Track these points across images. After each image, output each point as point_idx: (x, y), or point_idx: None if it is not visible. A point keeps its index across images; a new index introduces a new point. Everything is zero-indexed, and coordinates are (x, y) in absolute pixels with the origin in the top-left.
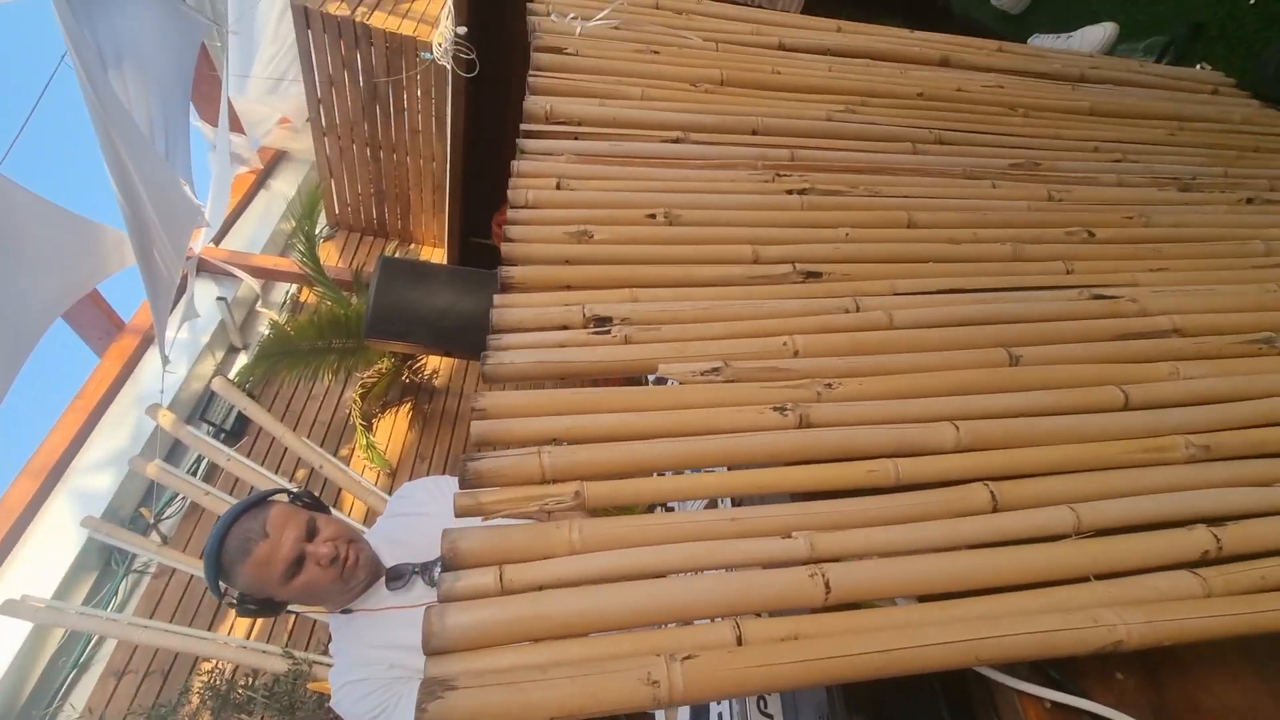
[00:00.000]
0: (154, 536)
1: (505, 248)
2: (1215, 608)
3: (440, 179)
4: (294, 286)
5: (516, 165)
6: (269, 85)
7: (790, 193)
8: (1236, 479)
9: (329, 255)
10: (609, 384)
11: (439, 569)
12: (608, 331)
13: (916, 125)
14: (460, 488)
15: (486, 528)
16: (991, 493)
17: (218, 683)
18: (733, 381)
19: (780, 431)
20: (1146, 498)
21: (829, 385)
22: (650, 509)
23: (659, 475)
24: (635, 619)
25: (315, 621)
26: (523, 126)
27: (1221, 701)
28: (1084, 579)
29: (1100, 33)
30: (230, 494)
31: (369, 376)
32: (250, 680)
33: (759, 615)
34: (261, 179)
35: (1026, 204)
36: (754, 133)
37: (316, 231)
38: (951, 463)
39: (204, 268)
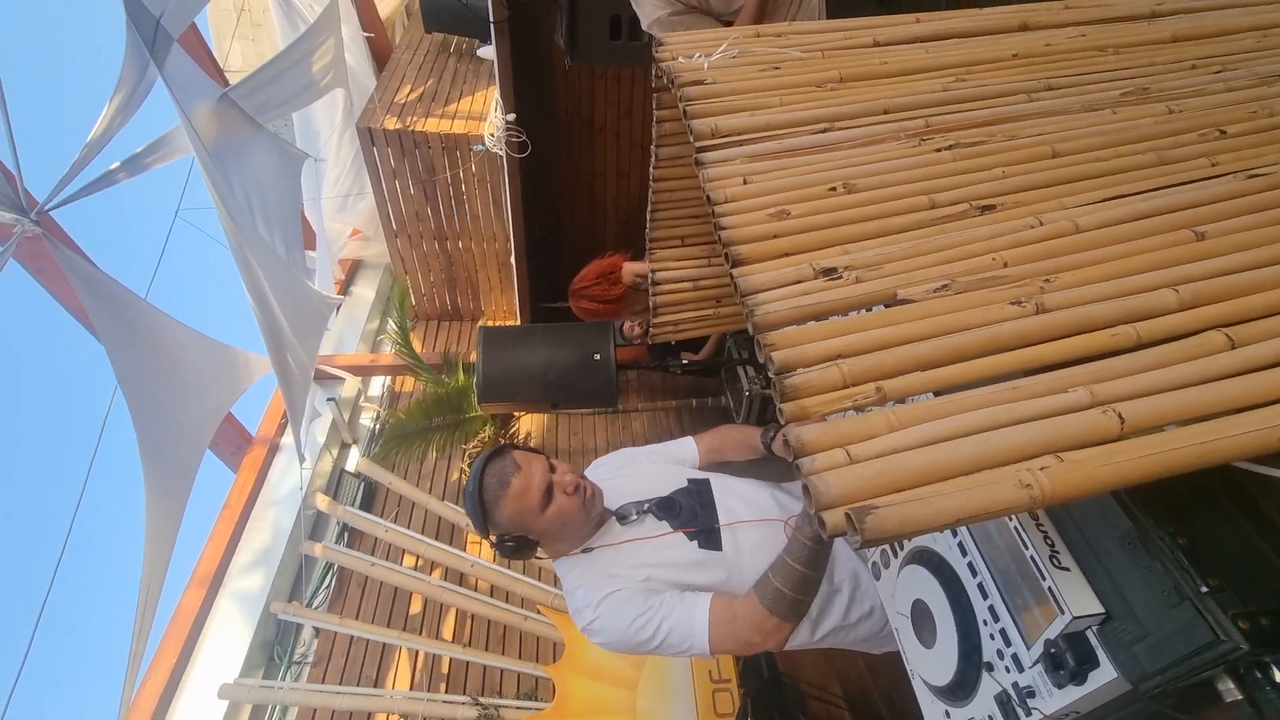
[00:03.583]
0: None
1: (725, 234)
2: None
3: (504, 256)
4: (389, 379)
5: (704, 173)
6: (339, 203)
7: (939, 150)
8: None
9: (414, 345)
10: None
11: (661, 508)
12: (839, 277)
13: (1024, 80)
14: (779, 402)
15: (818, 423)
16: (1227, 335)
17: None
18: (962, 293)
19: (1023, 319)
20: None
21: (1048, 280)
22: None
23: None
24: (974, 464)
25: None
26: (696, 144)
27: None
28: None
29: None
30: (387, 559)
31: (473, 447)
32: None
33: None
34: (344, 288)
35: (1152, 120)
36: (886, 112)
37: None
38: (1184, 318)
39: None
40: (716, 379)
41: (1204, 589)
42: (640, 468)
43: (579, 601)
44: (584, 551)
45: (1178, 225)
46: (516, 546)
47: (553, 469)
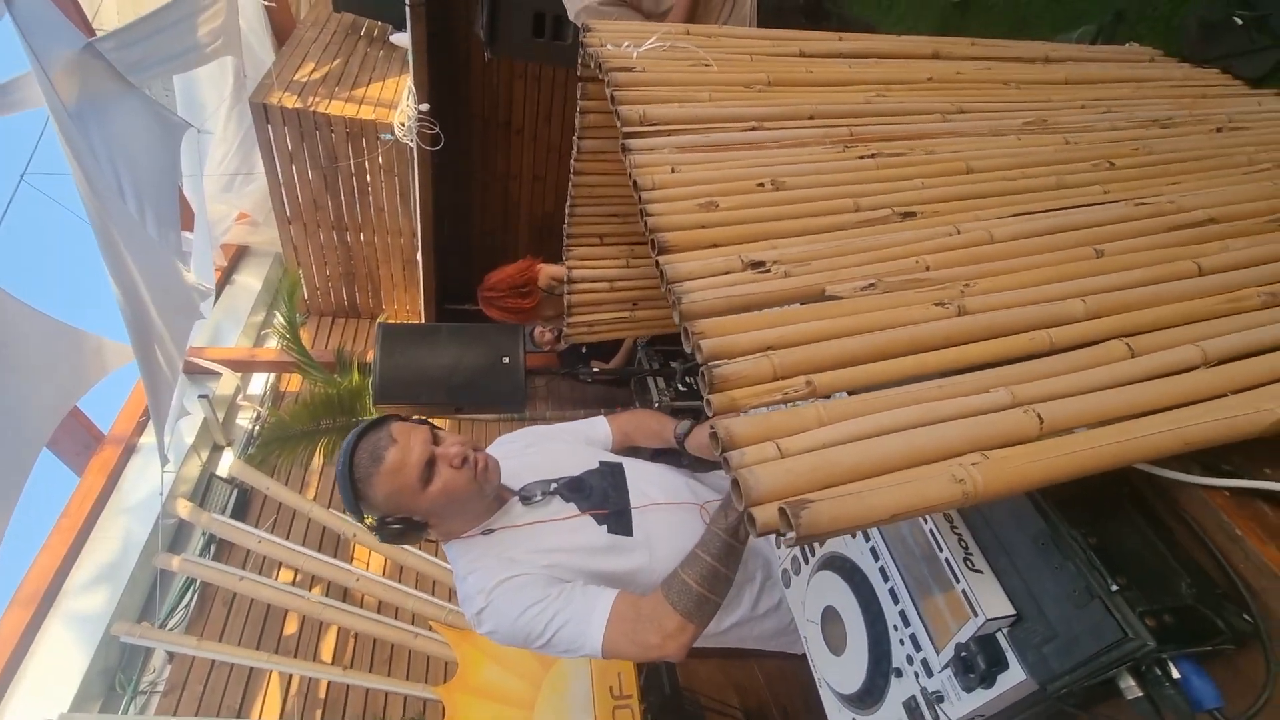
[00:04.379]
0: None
1: (652, 220)
2: None
3: (410, 253)
4: (272, 376)
5: (631, 159)
6: (223, 183)
7: (862, 157)
8: None
9: (304, 341)
10: None
11: (568, 488)
12: (768, 270)
13: (938, 101)
14: (708, 393)
15: (746, 416)
16: (1127, 344)
17: None
18: (888, 292)
19: (946, 320)
20: (1247, 332)
21: (968, 285)
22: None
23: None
24: (904, 460)
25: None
26: (624, 129)
27: None
28: (1222, 395)
29: None
30: (260, 573)
31: None
32: None
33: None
34: (226, 275)
35: (1052, 148)
36: (812, 118)
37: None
38: (1090, 327)
39: (185, 368)
40: (626, 389)
41: (1114, 588)
42: (550, 445)
43: (470, 587)
44: (484, 533)
45: (1080, 242)
46: (402, 529)
47: (437, 440)
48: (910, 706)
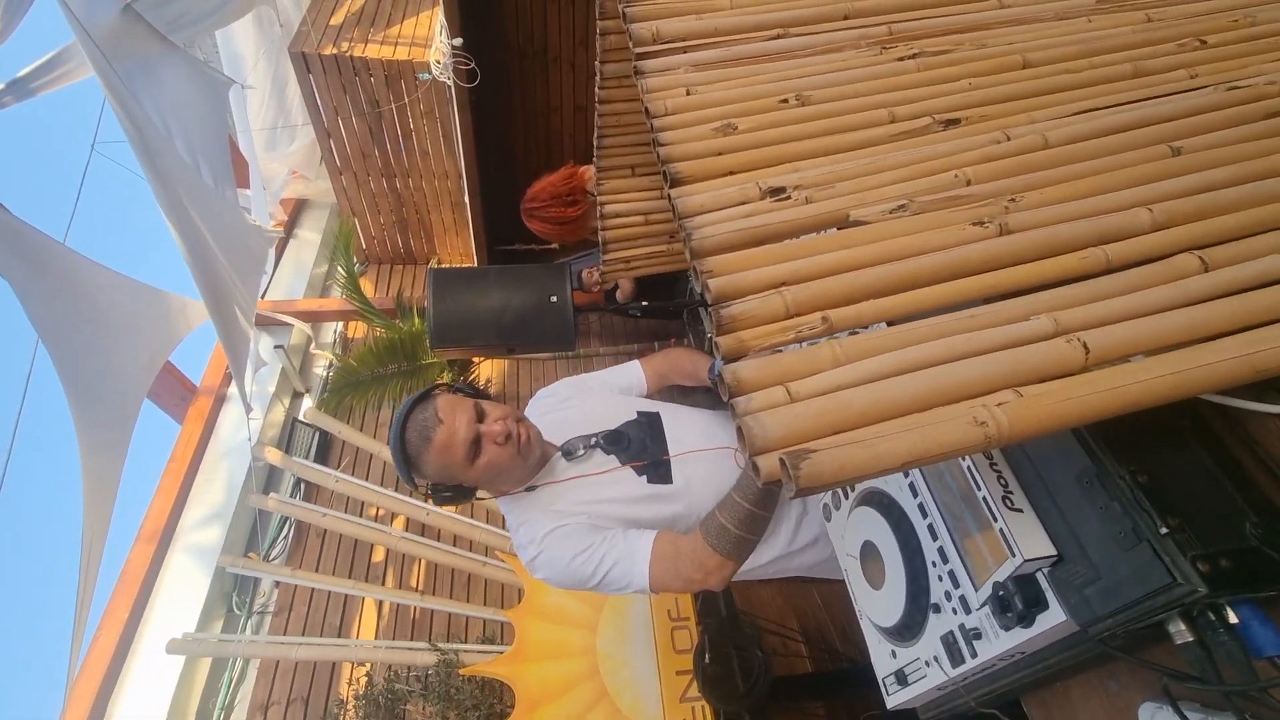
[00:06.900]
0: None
1: (664, 150)
2: None
3: (457, 195)
4: (340, 324)
5: (644, 83)
6: (266, 140)
7: (901, 59)
8: None
9: (365, 290)
10: None
11: (605, 440)
12: (787, 197)
13: None
14: (717, 335)
15: (755, 358)
16: (1200, 258)
17: (370, 689)
18: (921, 214)
19: (985, 241)
20: None
21: (1013, 199)
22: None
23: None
24: (926, 401)
25: (451, 614)
26: (635, 50)
27: None
28: None
29: None
30: (346, 511)
31: None
32: (405, 673)
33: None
34: (288, 230)
35: (1129, 29)
36: (846, 18)
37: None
38: (1156, 240)
39: (257, 321)
40: (679, 321)
41: (1163, 530)
42: (587, 399)
43: (523, 537)
44: (527, 490)
45: (1153, 140)
46: (453, 495)
47: (481, 416)
48: (948, 641)
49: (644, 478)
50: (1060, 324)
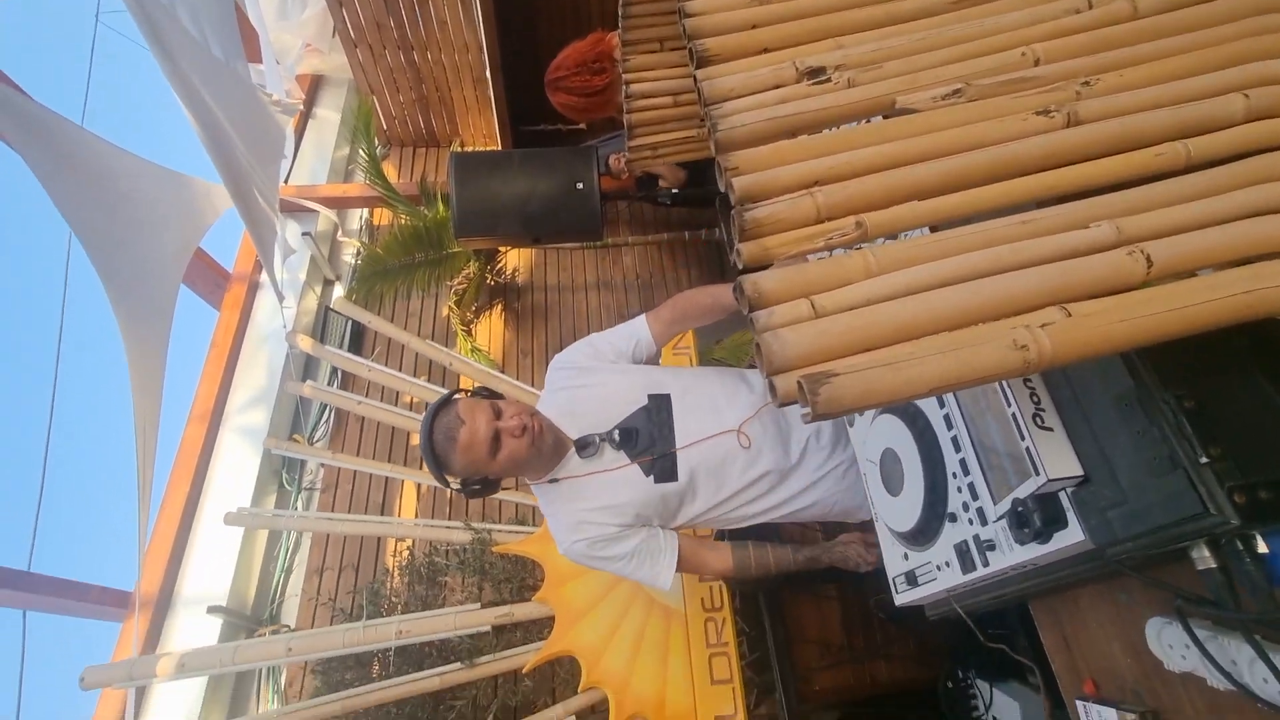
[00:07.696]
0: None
1: (691, 23)
2: None
3: (479, 70)
4: (366, 211)
5: None
6: (277, 8)
7: None
8: None
9: (389, 174)
10: None
11: (618, 435)
12: (827, 79)
13: None
14: (740, 240)
15: (781, 267)
16: None
17: (413, 560)
18: (978, 100)
19: (1050, 134)
20: None
21: (1086, 83)
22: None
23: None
24: (965, 318)
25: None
26: None
27: None
28: None
29: None
30: (380, 400)
31: (459, 284)
32: (444, 548)
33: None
34: (307, 109)
35: None
36: None
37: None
38: (1248, 133)
39: (282, 208)
40: (711, 209)
41: (1204, 459)
42: (595, 383)
43: (553, 527)
44: (550, 482)
45: (1265, 8)
46: (481, 487)
47: (499, 414)
48: (961, 550)
49: (651, 478)
50: (1123, 232)
